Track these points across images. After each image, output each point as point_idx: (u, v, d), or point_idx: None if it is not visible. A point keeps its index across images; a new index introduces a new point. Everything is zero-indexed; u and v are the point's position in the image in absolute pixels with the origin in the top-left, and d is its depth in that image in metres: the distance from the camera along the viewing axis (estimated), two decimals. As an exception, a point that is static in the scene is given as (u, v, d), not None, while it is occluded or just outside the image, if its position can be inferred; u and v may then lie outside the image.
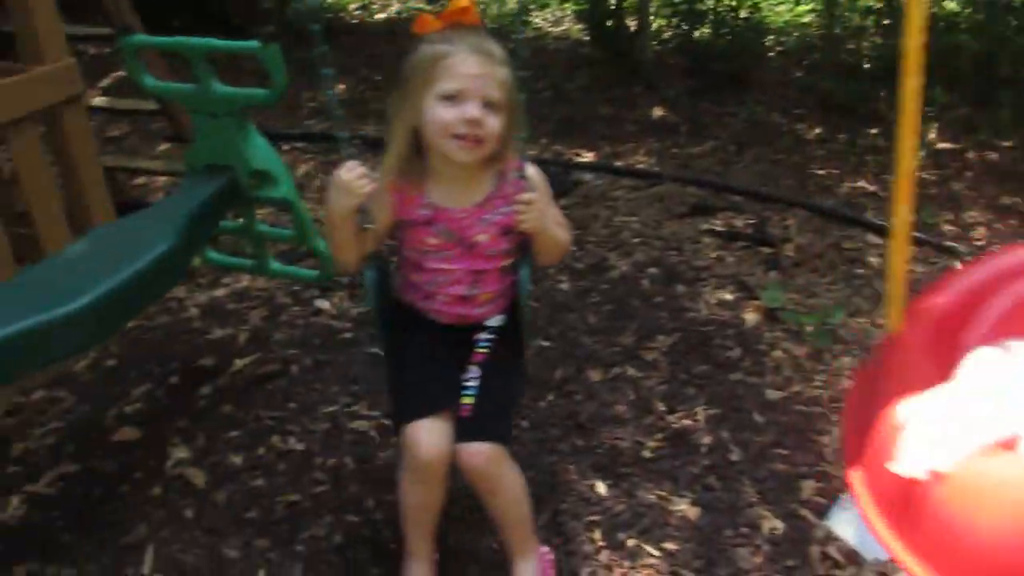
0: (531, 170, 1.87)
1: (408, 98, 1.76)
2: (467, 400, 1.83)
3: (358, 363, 2.89)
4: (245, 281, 3.44)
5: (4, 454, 2.50)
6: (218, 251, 2.82)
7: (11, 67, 2.73)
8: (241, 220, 2.57)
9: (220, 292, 3.35)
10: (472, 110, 1.70)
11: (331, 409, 2.67)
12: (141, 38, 2.24)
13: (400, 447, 1.85)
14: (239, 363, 2.89)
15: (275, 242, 2.86)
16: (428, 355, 1.93)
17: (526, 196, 1.80)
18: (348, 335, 3.06)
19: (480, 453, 1.78)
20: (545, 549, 2.06)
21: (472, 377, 1.87)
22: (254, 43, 2.06)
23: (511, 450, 1.89)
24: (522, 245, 1.93)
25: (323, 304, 3.27)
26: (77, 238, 2.20)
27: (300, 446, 2.51)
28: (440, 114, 1.71)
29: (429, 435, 1.78)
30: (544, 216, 1.83)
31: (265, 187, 2.34)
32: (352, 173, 1.76)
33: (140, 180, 4.48)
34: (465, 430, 1.80)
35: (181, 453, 2.46)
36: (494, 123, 1.73)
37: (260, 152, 2.30)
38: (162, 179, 4.48)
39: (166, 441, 2.52)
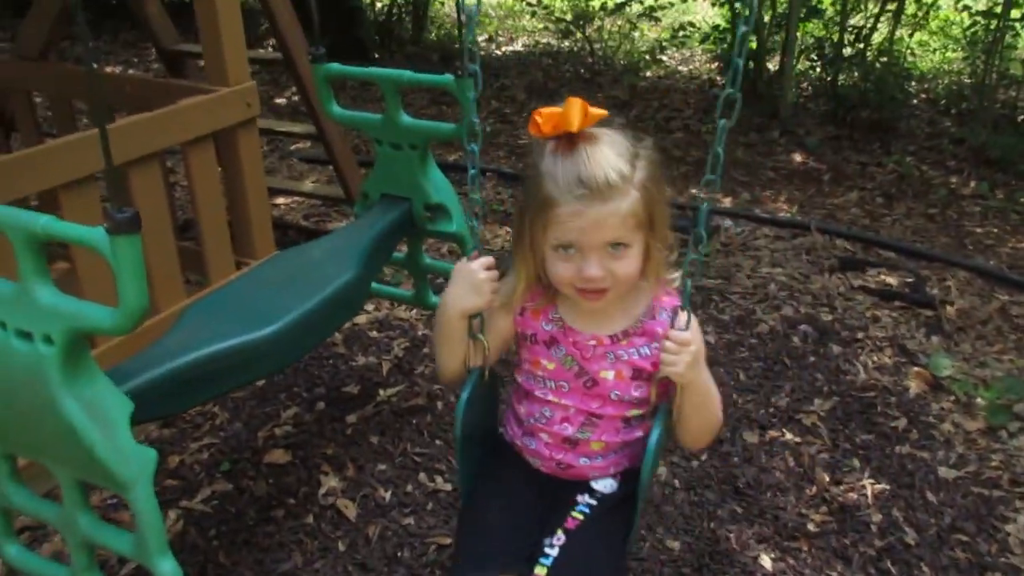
0: (688, 317, 1.48)
1: (524, 231, 1.49)
2: (540, 571, 1.48)
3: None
4: (385, 310, 3.45)
5: (161, 465, 2.54)
6: (377, 280, 2.82)
7: (194, 87, 2.83)
8: (406, 251, 2.56)
9: (362, 320, 3.37)
10: (590, 268, 1.41)
11: (477, 449, 2.61)
12: (335, 66, 2.27)
13: None
14: (384, 393, 2.88)
15: (437, 275, 2.84)
16: (510, 501, 1.63)
17: (680, 335, 1.43)
18: (491, 372, 3.01)
19: None
20: None
21: (555, 544, 1.52)
22: (448, 77, 2.04)
23: None
24: (659, 401, 1.57)
25: (464, 338, 3.23)
26: (262, 261, 2.23)
27: (448, 487, 2.46)
28: (557, 267, 1.46)
29: None
30: (698, 366, 1.45)
31: (439, 221, 2.33)
32: (484, 272, 1.53)
33: (279, 200, 4.59)
34: None
35: (332, 482, 2.45)
36: (624, 266, 1.44)
37: (438, 185, 2.29)
38: (300, 200, 4.60)
39: (316, 468, 2.51)
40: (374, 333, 3.26)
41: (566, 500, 1.60)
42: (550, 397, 1.59)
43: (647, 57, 7.74)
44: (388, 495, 2.42)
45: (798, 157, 5.48)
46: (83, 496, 1.62)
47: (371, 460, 2.55)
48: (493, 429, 1.79)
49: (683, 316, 1.46)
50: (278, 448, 2.61)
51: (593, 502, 1.59)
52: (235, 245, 3.00)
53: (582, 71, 7.51)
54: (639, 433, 1.60)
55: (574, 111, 1.38)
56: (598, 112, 1.41)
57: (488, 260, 1.56)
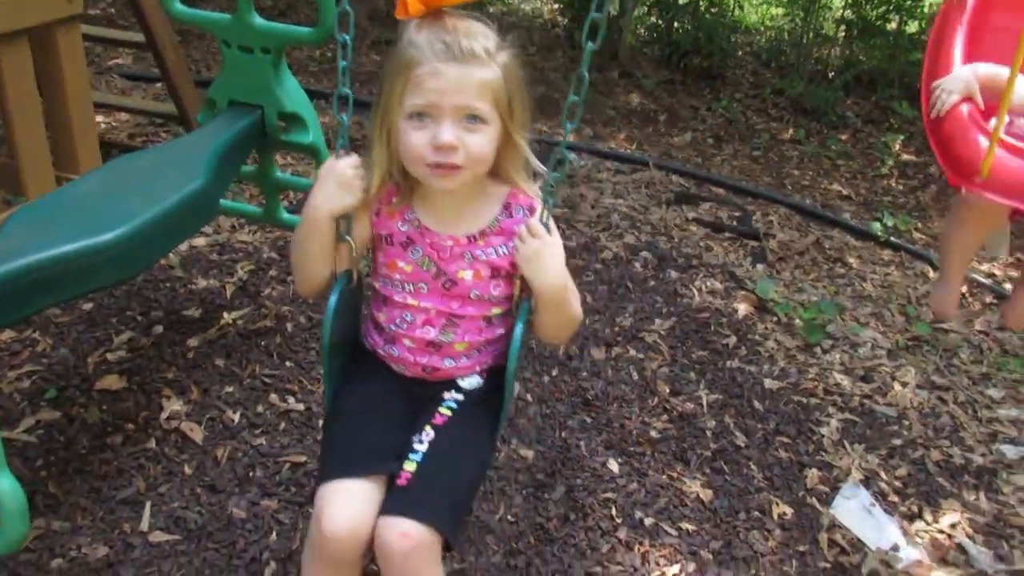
0: (547, 217, 1.49)
1: (381, 111, 1.45)
2: (409, 466, 1.45)
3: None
4: (226, 232, 3.28)
5: (-27, 396, 2.31)
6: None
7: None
8: (256, 165, 2.43)
9: (200, 242, 3.18)
10: (444, 134, 1.37)
11: (330, 370, 2.56)
12: (175, -43, 2.08)
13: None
14: (228, 316, 2.75)
15: (290, 191, 2.71)
16: (376, 406, 1.58)
17: (534, 223, 1.45)
18: (342, 296, 2.94)
19: (405, 535, 1.37)
20: None
21: (424, 440, 1.50)
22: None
23: (450, 555, 1.55)
24: (522, 297, 1.55)
25: (311, 262, 3.13)
26: (97, 168, 2.03)
27: (300, 407, 2.40)
28: (409, 138, 1.40)
29: (345, 503, 1.41)
30: (542, 259, 1.45)
31: (293, 132, 2.21)
32: (352, 170, 1.48)
33: (100, 118, 4.21)
34: (398, 501, 1.42)
35: (175, 406, 2.32)
36: (478, 141, 1.40)
37: (292, 94, 2.17)
38: (125, 119, 4.25)
39: (156, 392, 2.37)
40: (215, 256, 3.09)
41: (433, 398, 1.58)
42: (409, 300, 1.54)
43: None
44: (237, 416, 2.33)
45: (636, 98, 5.67)
46: None
47: (217, 383, 2.44)
48: (358, 337, 1.73)
49: (542, 208, 1.47)
50: (111, 374, 2.43)
51: (460, 397, 1.59)
52: (55, 160, 2.73)
53: (425, 3, 7.33)
54: (501, 331, 1.59)
55: None
56: None
57: (355, 159, 1.50)
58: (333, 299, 1.54)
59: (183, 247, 3.12)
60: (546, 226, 1.46)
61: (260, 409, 2.37)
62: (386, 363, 1.63)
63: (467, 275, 1.52)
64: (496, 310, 1.56)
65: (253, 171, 2.43)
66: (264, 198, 2.50)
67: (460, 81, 1.36)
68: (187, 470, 2.14)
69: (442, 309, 1.54)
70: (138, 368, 2.47)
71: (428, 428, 1.52)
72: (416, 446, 1.49)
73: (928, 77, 2.06)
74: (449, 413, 1.55)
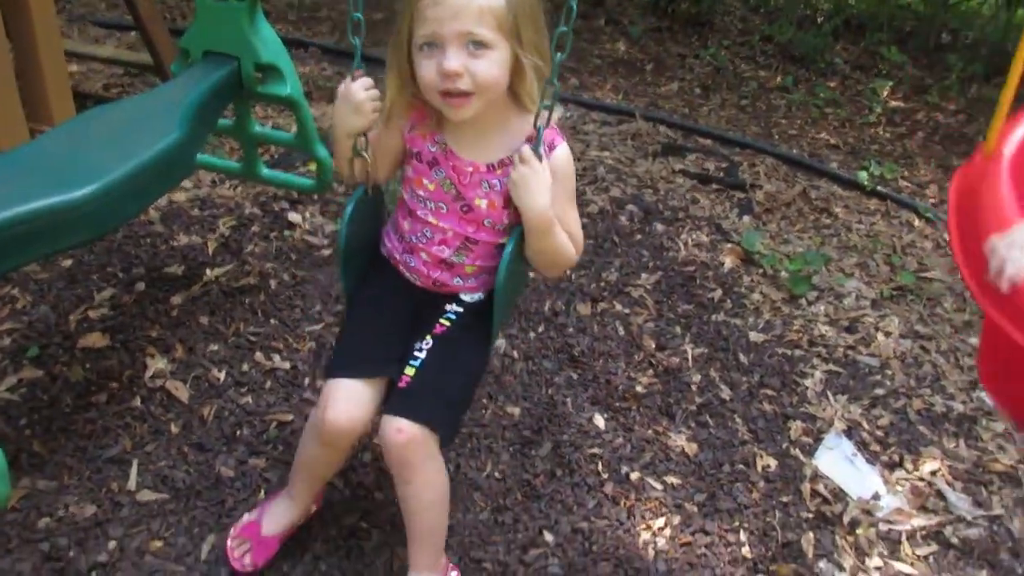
0: (560, 150, 1.57)
1: (393, 43, 1.52)
2: (409, 371, 1.61)
3: (340, 282, 2.77)
4: (207, 187, 3.23)
5: (-47, 355, 2.28)
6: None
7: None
8: (234, 118, 2.37)
9: (180, 197, 3.13)
10: (448, 61, 1.42)
11: (315, 328, 2.55)
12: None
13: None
14: (211, 273, 2.72)
15: (269, 145, 2.66)
16: (384, 314, 1.71)
17: (525, 150, 1.49)
18: (326, 252, 2.92)
19: (404, 431, 1.54)
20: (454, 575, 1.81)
21: (424, 348, 1.64)
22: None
23: (446, 450, 1.72)
24: (513, 221, 1.62)
25: (295, 217, 3.10)
26: (68, 119, 1.97)
27: (286, 365, 2.39)
28: (421, 68, 1.47)
29: (346, 399, 1.59)
30: (529, 185, 1.49)
31: (270, 83, 2.16)
32: (364, 92, 1.56)
33: (73, 67, 4.11)
34: (397, 402, 1.59)
35: (159, 364, 2.31)
36: (483, 67, 1.43)
37: (269, 43, 2.11)
38: (98, 68, 4.15)
39: (140, 351, 2.35)
40: (196, 211, 3.04)
41: (436, 309, 1.70)
42: (430, 218, 1.64)
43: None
44: (222, 375, 2.32)
45: (622, 46, 5.58)
46: None
47: (201, 341, 2.42)
48: (376, 244, 1.82)
49: (543, 135, 1.49)
50: (94, 332, 2.41)
51: (460, 309, 1.71)
52: (27, 112, 2.66)
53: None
54: None
55: None
56: None
57: (368, 80, 1.58)
58: (349, 209, 1.67)
59: (163, 202, 3.07)
60: (538, 155, 1.50)
61: (245, 367, 2.36)
62: (399, 271, 1.75)
63: (482, 203, 1.60)
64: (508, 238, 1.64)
65: (231, 125, 2.37)
66: (242, 152, 2.45)
67: (459, 8, 1.41)
68: (173, 429, 2.14)
69: (459, 231, 1.64)
70: (121, 326, 2.44)
71: (428, 337, 1.66)
72: (416, 353, 1.63)
73: (965, 236, 1.54)
74: (448, 324, 1.68)
